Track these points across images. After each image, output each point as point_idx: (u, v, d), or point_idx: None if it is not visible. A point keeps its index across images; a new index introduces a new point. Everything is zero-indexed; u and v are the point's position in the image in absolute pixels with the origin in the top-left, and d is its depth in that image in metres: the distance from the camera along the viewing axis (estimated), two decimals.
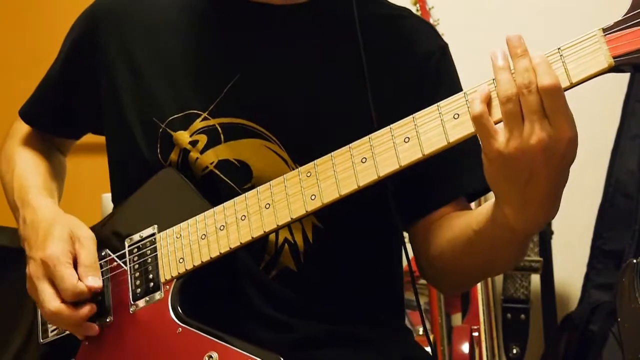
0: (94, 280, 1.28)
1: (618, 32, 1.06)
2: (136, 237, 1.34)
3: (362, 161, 1.18)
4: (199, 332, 1.23)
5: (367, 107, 1.22)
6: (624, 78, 2.51)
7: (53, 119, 1.52)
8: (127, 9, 1.40)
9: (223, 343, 1.20)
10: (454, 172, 1.34)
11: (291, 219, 1.21)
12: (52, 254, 1.28)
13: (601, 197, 2.49)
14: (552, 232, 2.54)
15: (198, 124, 1.32)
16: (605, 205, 2.49)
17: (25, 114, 1.54)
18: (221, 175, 1.32)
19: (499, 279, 2.57)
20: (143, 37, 1.38)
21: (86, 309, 1.28)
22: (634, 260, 1.74)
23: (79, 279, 1.28)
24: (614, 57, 1.06)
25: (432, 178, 1.33)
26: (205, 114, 1.32)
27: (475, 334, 2.32)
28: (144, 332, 1.28)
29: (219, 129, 1.32)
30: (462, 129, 1.13)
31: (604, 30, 1.07)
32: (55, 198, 1.45)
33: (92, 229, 1.42)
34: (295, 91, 1.32)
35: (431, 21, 2.44)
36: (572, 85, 1.08)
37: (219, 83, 1.32)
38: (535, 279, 2.55)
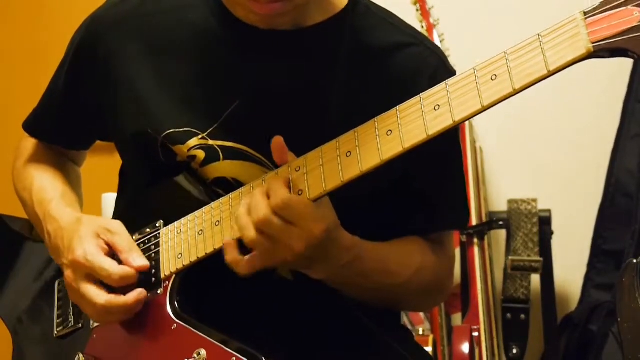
0: (140, 260, 1.28)
1: (598, 15, 1.02)
2: (143, 232, 1.35)
3: (346, 155, 1.16)
4: (191, 328, 1.23)
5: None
6: (624, 78, 2.51)
7: (60, 132, 1.51)
8: (131, 23, 1.37)
9: (212, 340, 1.21)
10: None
11: None
12: (82, 251, 1.27)
13: (601, 197, 2.49)
14: (552, 232, 2.54)
15: (195, 141, 1.31)
16: (605, 205, 2.49)
17: (30, 127, 1.52)
18: (220, 192, 1.31)
19: (499, 279, 2.57)
20: (146, 53, 1.36)
21: (136, 292, 1.27)
22: (634, 260, 1.74)
23: (124, 264, 1.27)
24: (593, 43, 1.02)
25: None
26: (203, 135, 1.31)
27: (475, 334, 2.32)
28: (145, 327, 1.28)
29: (218, 148, 1.31)
30: (441, 120, 1.11)
31: (585, 13, 1.03)
32: (76, 205, 1.44)
33: None
34: (295, 120, 1.30)
35: (431, 21, 2.44)
36: (551, 74, 1.05)
37: (218, 107, 1.31)
38: (535, 279, 2.55)
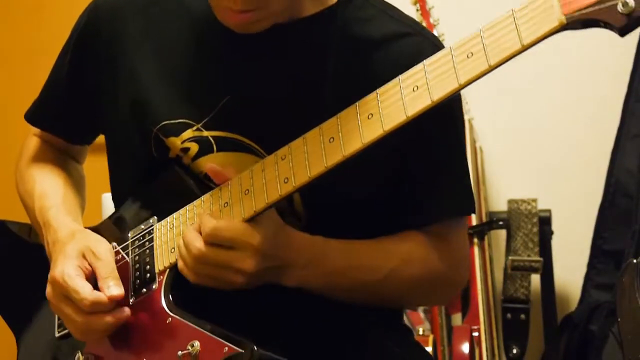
0: (115, 289, 1.27)
1: None
2: (138, 228, 1.36)
3: (329, 141, 1.17)
4: (185, 321, 1.24)
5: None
6: (624, 78, 2.52)
7: (62, 121, 1.50)
8: (133, 11, 1.38)
9: (205, 331, 1.21)
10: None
11: (266, 204, 1.20)
12: (60, 271, 1.27)
13: (601, 197, 2.50)
14: (552, 232, 2.54)
15: (190, 132, 1.31)
16: (605, 205, 2.49)
17: (32, 117, 1.52)
18: (211, 185, 1.31)
19: (499, 279, 2.57)
20: (146, 41, 1.36)
21: (119, 310, 1.27)
22: (634, 260, 1.74)
23: (100, 290, 1.26)
24: (566, 14, 1.03)
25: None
26: (198, 125, 1.32)
27: (475, 334, 2.32)
28: (141, 322, 1.29)
29: (212, 140, 1.31)
30: (420, 101, 1.11)
31: None
32: (76, 211, 1.44)
33: (102, 223, 1.44)
34: (290, 110, 1.30)
35: (431, 21, 2.44)
36: (525, 48, 1.06)
37: (214, 98, 1.31)
38: (535, 279, 2.55)
